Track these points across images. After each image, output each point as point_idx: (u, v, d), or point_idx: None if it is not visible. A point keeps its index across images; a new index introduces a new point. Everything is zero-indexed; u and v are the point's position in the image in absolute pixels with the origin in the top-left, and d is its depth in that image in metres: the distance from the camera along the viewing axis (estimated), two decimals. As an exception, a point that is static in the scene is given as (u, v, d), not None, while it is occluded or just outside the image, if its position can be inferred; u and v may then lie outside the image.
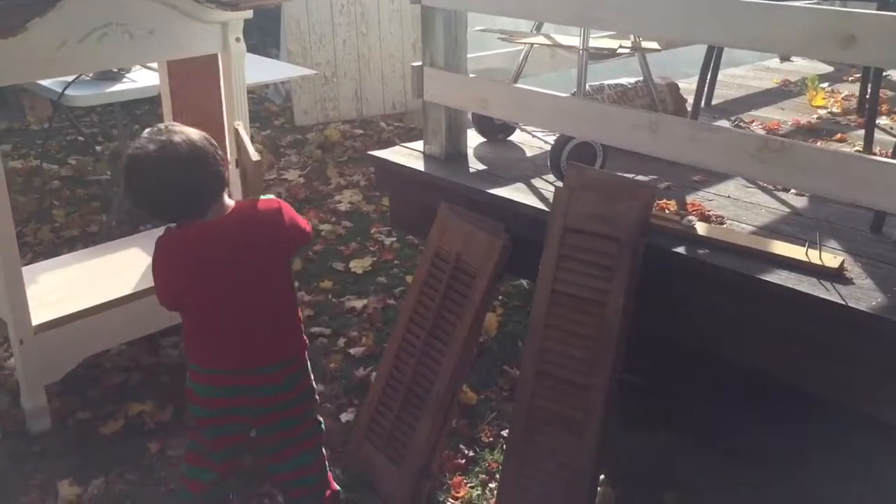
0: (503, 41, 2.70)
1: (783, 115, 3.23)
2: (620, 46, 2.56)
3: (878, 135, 2.95)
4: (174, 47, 2.68)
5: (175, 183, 1.86)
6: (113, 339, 2.87)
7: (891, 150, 2.65)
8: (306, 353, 2.12)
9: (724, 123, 2.98)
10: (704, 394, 2.57)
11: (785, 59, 4.32)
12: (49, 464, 2.53)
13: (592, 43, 2.64)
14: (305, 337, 2.13)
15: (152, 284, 2.51)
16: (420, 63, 2.63)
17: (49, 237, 4.07)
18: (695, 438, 2.57)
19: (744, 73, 4.01)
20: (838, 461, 2.34)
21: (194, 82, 2.99)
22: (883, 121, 3.18)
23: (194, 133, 1.90)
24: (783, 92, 3.67)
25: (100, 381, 2.93)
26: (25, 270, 2.68)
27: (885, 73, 3.68)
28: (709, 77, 3.30)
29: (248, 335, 1.96)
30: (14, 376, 2.84)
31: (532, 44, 2.67)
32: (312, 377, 2.16)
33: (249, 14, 2.78)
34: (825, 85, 3.64)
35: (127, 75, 3.79)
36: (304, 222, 2.05)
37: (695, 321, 2.09)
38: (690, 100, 3.00)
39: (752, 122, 3.13)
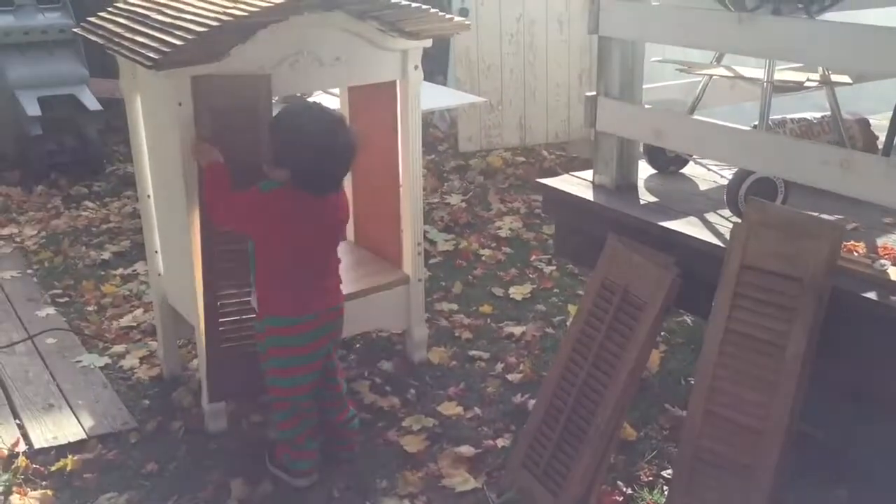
0: (681, 72, 2.66)
1: None
2: (808, 79, 2.46)
3: None
4: (358, 74, 2.82)
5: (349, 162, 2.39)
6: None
7: None
8: None
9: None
10: (889, 449, 2.40)
11: None
12: (224, 462, 2.70)
13: (776, 75, 2.56)
14: None
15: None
16: (594, 93, 2.63)
17: (229, 249, 4.35)
18: (876, 497, 2.40)
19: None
20: None
21: (372, 107, 3.13)
22: None
23: None
24: None
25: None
26: (212, 279, 2.88)
27: None
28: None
29: (325, 284, 2.49)
30: (196, 377, 3.06)
31: (711, 75, 2.62)
32: None
33: (429, 43, 2.88)
34: None
35: (310, 98, 4.01)
36: None
37: (884, 371, 1.96)
38: (882, 137, 2.83)
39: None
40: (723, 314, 2.05)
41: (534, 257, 4.18)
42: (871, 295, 1.93)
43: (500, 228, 4.59)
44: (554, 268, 4.05)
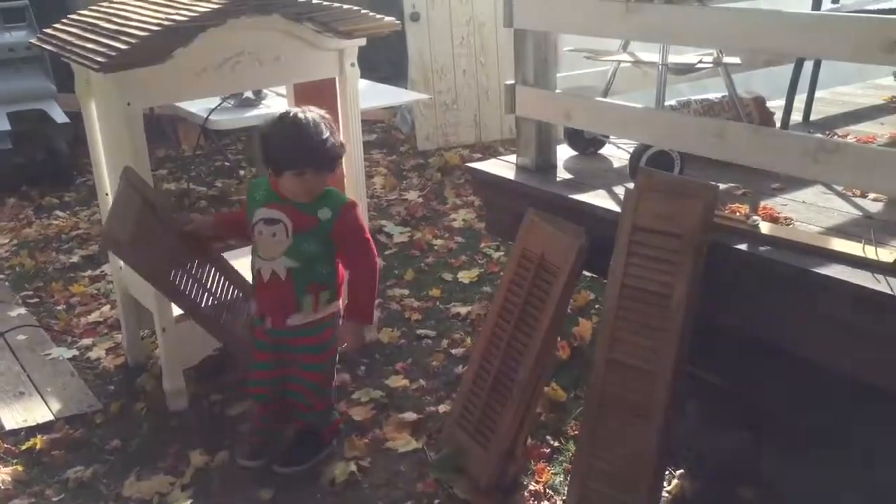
0: (589, 59, 2.90)
1: (881, 129, 3.23)
2: (700, 61, 2.70)
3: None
4: (297, 72, 3.04)
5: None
6: (241, 331, 3.23)
7: None
8: None
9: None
10: (788, 393, 2.63)
11: (899, 76, 4.25)
12: (183, 436, 2.91)
13: (679, 59, 2.80)
14: None
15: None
16: (513, 81, 2.86)
17: (194, 248, 4.56)
18: (776, 437, 2.63)
19: (851, 91, 3.98)
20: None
21: (315, 105, 3.34)
22: None
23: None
24: (889, 108, 3.64)
25: (230, 369, 3.30)
26: (170, 269, 3.09)
27: None
28: (807, 94, 3.37)
29: None
30: (159, 363, 3.26)
31: (618, 61, 2.86)
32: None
33: (363, 42, 3.10)
34: (935, 100, 3.60)
35: (263, 102, 4.23)
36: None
37: (763, 316, 2.20)
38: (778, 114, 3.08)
39: (847, 135, 3.16)
40: (619, 271, 2.28)
41: (483, 244, 4.41)
42: (743, 247, 2.16)
43: (454, 220, 4.82)
44: (502, 253, 4.28)
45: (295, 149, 2.44)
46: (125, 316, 3.31)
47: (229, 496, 2.63)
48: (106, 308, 3.88)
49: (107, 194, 3.17)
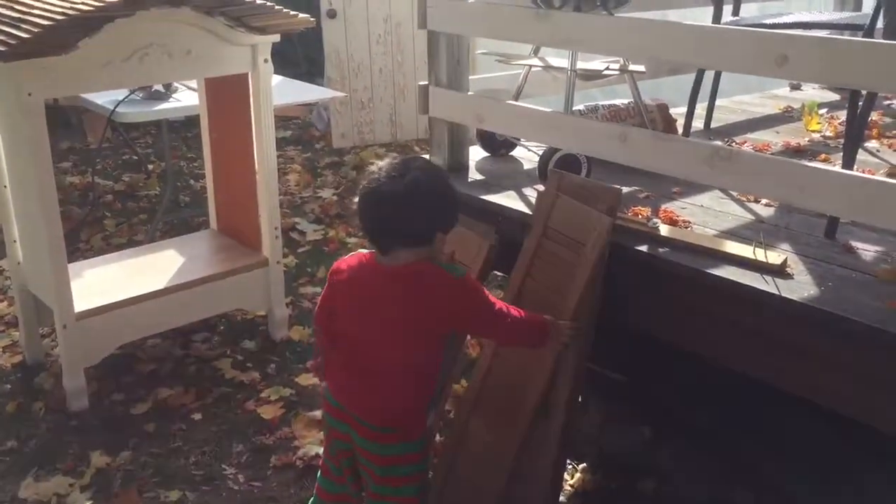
0: (500, 62, 2.95)
1: (776, 138, 3.40)
2: (607, 68, 2.79)
3: (864, 156, 3.13)
4: (209, 66, 3.00)
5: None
6: (146, 329, 3.17)
7: (874, 170, 2.84)
8: (416, 436, 2.00)
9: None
10: (683, 390, 2.74)
11: (795, 87, 4.47)
12: (84, 437, 2.83)
13: (588, 66, 2.88)
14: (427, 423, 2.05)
15: (184, 281, 2.85)
16: (426, 83, 2.90)
17: (100, 244, 4.44)
18: (673, 432, 2.74)
19: (751, 100, 4.18)
20: (802, 455, 2.50)
21: (228, 100, 3.31)
22: (872, 144, 3.33)
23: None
24: (784, 117, 3.83)
25: (134, 368, 3.23)
26: (72, 266, 3.01)
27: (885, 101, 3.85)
28: (708, 102, 3.51)
29: (355, 382, 1.97)
30: (59, 361, 3.16)
31: (529, 66, 2.92)
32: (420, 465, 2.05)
33: (276, 38, 3.08)
34: (824, 111, 3.79)
35: (173, 96, 4.14)
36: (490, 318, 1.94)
37: (656, 314, 2.29)
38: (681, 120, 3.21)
39: (744, 143, 3.31)
40: (522, 269, 2.34)
41: (397, 243, 4.42)
42: (644, 248, 2.25)
43: (368, 218, 4.81)
44: (415, 252, 4.30)
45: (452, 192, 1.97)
46: (23, 312, 3.20)
47: (131, 497, 2.57)
48: (2, 304, 3.73)
49: (4, 187, 3.05)
